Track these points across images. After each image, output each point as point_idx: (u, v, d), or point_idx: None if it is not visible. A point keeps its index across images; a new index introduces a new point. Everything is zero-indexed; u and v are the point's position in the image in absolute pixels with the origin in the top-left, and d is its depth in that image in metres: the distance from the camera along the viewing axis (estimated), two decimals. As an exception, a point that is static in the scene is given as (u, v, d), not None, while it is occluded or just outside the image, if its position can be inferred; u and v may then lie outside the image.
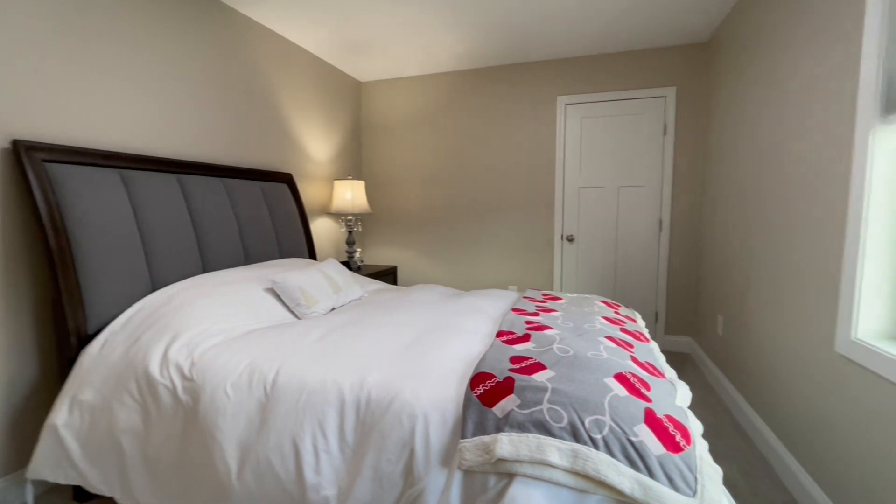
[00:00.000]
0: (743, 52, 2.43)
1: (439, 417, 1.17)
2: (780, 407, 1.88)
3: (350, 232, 3.43)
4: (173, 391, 1.43)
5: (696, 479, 0.97)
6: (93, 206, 1.75)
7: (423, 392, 1.23)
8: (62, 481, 1.53)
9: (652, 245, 3.39)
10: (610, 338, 1.53)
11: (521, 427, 1.06)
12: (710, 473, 1.00)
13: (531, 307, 1.95)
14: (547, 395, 1.12)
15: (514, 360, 1.31)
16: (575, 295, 2.32)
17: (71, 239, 1.67)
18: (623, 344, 1.51)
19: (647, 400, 1.13)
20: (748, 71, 2.35)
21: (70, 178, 1.71)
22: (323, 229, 3.49)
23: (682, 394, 1.28)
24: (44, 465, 1.52)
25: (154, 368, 1.48)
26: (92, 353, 1.61)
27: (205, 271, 2.20)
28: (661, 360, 1.55)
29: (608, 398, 1.11)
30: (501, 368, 1.25)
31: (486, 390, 1.17)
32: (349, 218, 3.42)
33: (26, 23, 1.65)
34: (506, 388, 1.17)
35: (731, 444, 2.07)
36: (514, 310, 1.88)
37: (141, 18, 2.07)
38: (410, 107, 3.88)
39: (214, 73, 2.47)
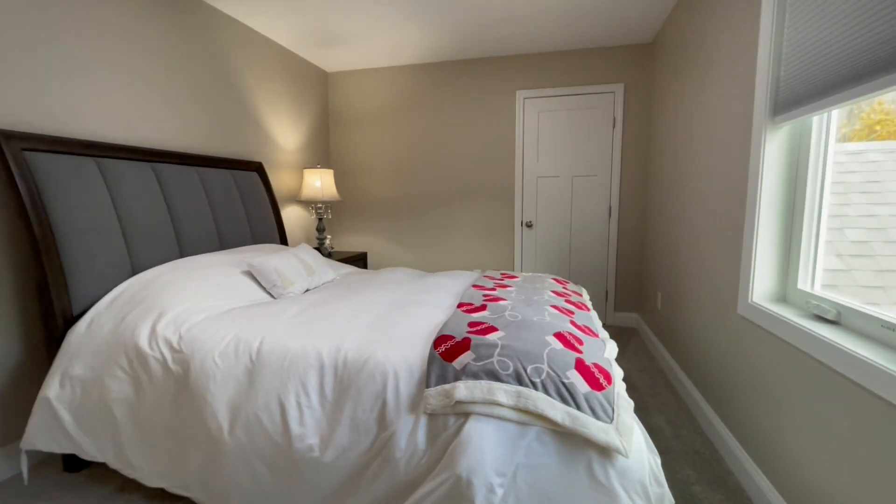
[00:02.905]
0: (678, 53, 2.72)
1: (407, 373, 1.37)
2: (701, 365, 2.20)
3: (320, 219, 3.55)
4: (164, 362, 1.57)
5: (613, 409, 1.22)
6: (73, 193, 1.83)
7: (393, 353, 1.43)
8: (56, 450, 1.64)
9: (602, 230, 3.69)
10: (555, 307, 1.78)
11: (476, 376, 1.28)
12: (624, 405, 1.25)
13: (490, 284, 2.17)
14: (497, 350, 1.34)
15: (472, 325, 1.53)
16: (530, 274, 2.57)
17: (53, 226, 1.75)
18: (565, 311, 1.75)
19: (579, 352, 1.38)
20: (682, 71, 2.64)
21: (50, 166, 1.78)
22: (294, 216, 3.59)
23: (611, 348, 1.54)
24: (37, 436, 1.63)
25: (143, 343, 1.61)
26: (79, 331, 1.72)
27: (182, 255, 2.30)
28: (597, 325, 1.81)
29: (546, 350, 1.34)
30: (460, 331, 1.47)
31: (446, 349, 1.38)
32: (319, 206, 3.54)
33: (2, 15, 1.70)
34: (463, 346, 1.38)
35: (663, 400, 2.39)
36: (475, 286, 2.10)
37: (116, 11, 2.12)
38: (377, 97, 4.01)
39: (186, 65, 2.54)
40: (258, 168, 3.08)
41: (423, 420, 1.28)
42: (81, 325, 1.73)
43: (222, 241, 2.59)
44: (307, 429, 1.38)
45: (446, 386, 1.28)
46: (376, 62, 3.84)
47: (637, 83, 3.48)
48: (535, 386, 1.24)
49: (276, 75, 3.34)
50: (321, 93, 3.99)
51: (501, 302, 1.79)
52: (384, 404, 1.34)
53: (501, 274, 2.50)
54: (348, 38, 3.26)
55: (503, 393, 1.23)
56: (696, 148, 2.36)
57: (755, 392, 1.66)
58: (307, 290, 2.29)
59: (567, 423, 1.17)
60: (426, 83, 3.88)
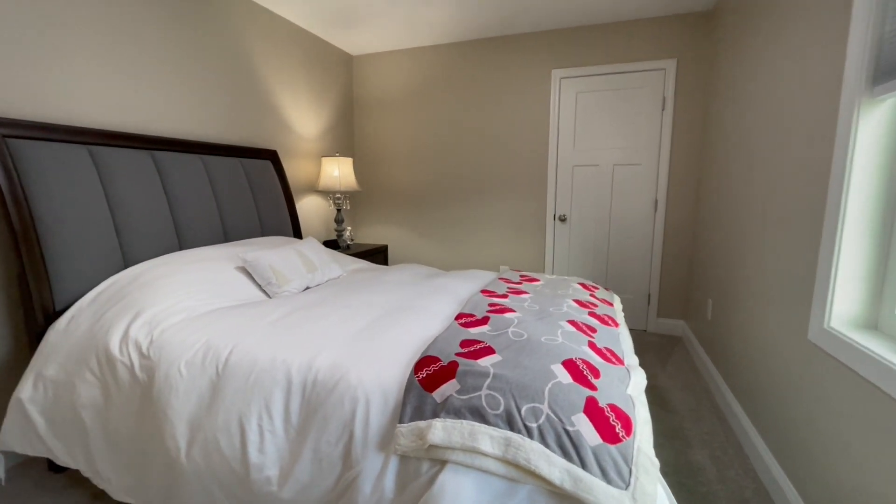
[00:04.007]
0: (744, 20, 2.28)
1: (381, 401, 1.15)
2: (757, 394, 1.83)
3: (339, 210, 3.39)
4: (131, 369, 1.44)
5: (630, 470, 0.94)
6: (60, 182, 1.74)
7: (368, 374, 1.21)
8: (30, 453, 1.57)
9: (646, 226, 3.29)
10: (572, 322, 1.49)
11: (458, 413, 1.04)
12: (647, 466, 0.96)
13: (502, 288, 1.90)
14: (487, 381, 1.09)
15: (465, 343, 1.28)
16: (554, 276, 2.27)
17: (36, 217, 1.66)
18: (585, 329, 1.46)
19: (593, 388, 1.10)
20: (748, 42, 2.20)
21: (34, 154, 1.69)
22: (311, 207, 3.46)
23: (636, 381, 1.24)
24: (12, 438, 1.56)
25: (114, 346, 1.49)
26: (59, 328, 1.63)
27: (181, 249, 2.20)
28: (625, 346, 1.51)
29: (550, 385, 1.07)
30: (448, 352, 1.22)
31: (428, 374, 1.15)
32: (337, 196, 3.38)
33: (-19, -7, 1.61)
34: (448, 372, 1.14)
35: (707, 428, 2.04)
36: (484, 291, 1.84)
37: (107, -12, 2.02)
38: (401, 81, 3.77)
39: (193, 48, 2.41)
40: (272, 156, 2.94)
41: (393, 462, 1.06)
42: (62, 322, 1.64)
43: (227, 234, 2.48)
44: (267, 457, 1.20)
45: (421, 424, 1.05)
46: (401, 43, 3.60)
47: (692, 58, 3.02)
48: (529, 432, 0.98)
49: (295, 59, 3.18)
50: (345, 77, 3.81)
51: (508, 314, 1.52)
52: (351, 437, 1.13)
53: (521, 276, 2.22)
54: (370, 16, 3.03)
55: (488, 439, 0.98)
56: (762, 133, 1.95)
57: (827, 438, 1.30)
58: (307, 289, 2.12)
59: (567, 485, 0.91)
60: (453, 65, 3.59)
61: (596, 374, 1.17)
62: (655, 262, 3.29)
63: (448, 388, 1.09)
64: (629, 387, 1.19)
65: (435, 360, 1.20)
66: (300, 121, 3.28)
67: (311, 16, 3.04)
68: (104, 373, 1.48)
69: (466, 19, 3.10)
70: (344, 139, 3.83)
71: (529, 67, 3.40)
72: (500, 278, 2.14)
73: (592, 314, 1.64)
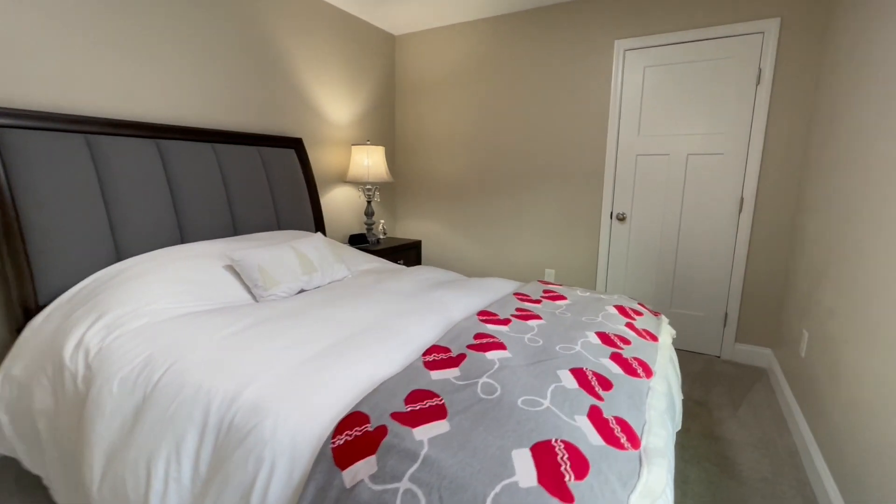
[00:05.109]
0: (879, -46, 1.63)
1: (287, 468, 0.88)
2: (867, 484, 1.29)
3: (369, 202, 3.18)
4: (75, 379, 1.33)
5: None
6: (48, 174, 1.68)
7: (287, 425, 0.95)
8: (2, 452, 1.54)
9: (727, 230, 2.67)
10: (578, 372, 1.10)
11: (362, 512, 0.73)
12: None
13: (508, 310, 1.54)
14: (413, 469, 0.77)
15: (413, 397, 0.96)
16: (587, 294, 1.84)
17: (19, 208, 1.61)
18: (593, 381, 1.07)
19: (569, 499, 0.73)
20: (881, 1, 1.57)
21: (22, 143, 1.64)
22: (342, 199, 3.29)
23: (656, 476, 0.84)
24: (-16, 432, 1.54)
25: (67, 352, 1.38)
26: (34, 326, 1.57)
27: (183, 243, 2.11)
28: (658, 409, 1.08)
29: (499, 488, 0.73)
30: (383, 410, 0.92)
31: (348, 441, 0.86)
32: (367, 187, 3.17)
33: (-30, -23, 1.57)
34: (371, 442, 0.84)
35: (786, 513, 1.52)
36: (482, 313, 1.49)
37: (112, -31, 1.93)
38: (446, 62, 3.44)
39: (209, 28, 2.29)
40: (296, 145, 2.79)
41: (284, 559, 0.79)
42: (38, 319, 1.58)
43: (237, 228, 2.36)
44: (167, 513, 0.99)
45: (314, 518, 0.76)
46: (446, 17, 3.25)
47: (802, 16, 2.34)
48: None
49: (327, 41, 2.99)
50: (386, 60, 3.56)
51: (493, 353, 1.16)
52: (247, 511, 0.88)
53: (544, 291, 1.83)
54: (400, -12, 2.74)
55: (389, 565, 0.67)
56: (880, 128, 1.36)
57: None
58: (301, 291, 1.93)
59: None
60: (500, 40, 3.18)
61: (582, 466, 0.79)
62: (737, 276, 2.67)
63: (363, 469, 0.79)
64: (635, 491, 0.80)
65: (364, 419, 0.90)
66: (331, 106, 3.10)
67: (341, -8, 2.82)
68: (55, 379, 1.38)
69: (511, -15, 2.68)
70: (380, 126, 3.59)
71: (588, 39, 2.89)
72: (516, 293, 1.76)
73: (616, 356, 1.23)
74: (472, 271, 3.59)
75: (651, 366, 1.24)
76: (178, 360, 1.23)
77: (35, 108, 1.75)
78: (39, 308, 1.65)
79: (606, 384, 1.07)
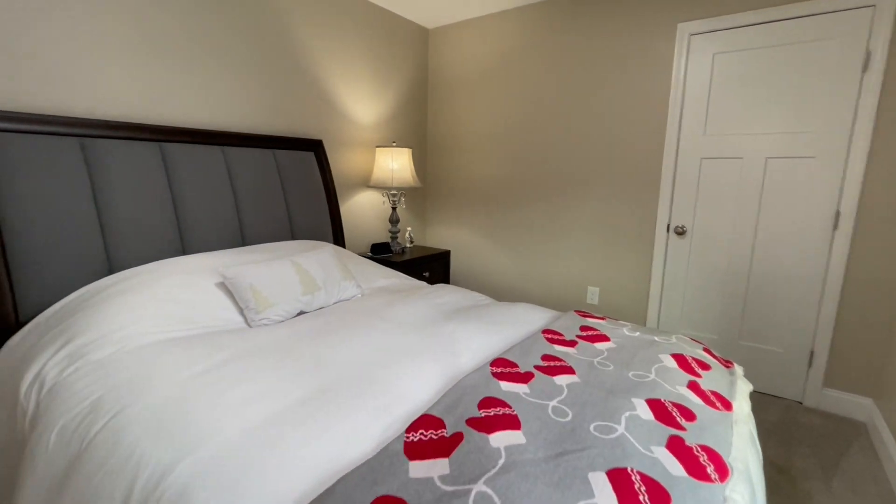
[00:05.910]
0: None
1: None
2: None
3: (393, 209, 2.95)
4: (25, 418, 1.16)
5: None
6: (33, 180, 1.55)
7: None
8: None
9: (818, 250, 2.19)
10: (620, 474, 0.77)
11: None
12: None
13: (532, 358, 1.21)
14: None
15: (376, 508, 0.68)
16: (637, 333, 1.47)
17: (1, 217, 1.50)
18: (643, 492, 0.74)
19: None
20: None
21: (6, 147, 1.52)
22: (366, 204, 3.06)
23: None
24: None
25: (24, 384, 1.23)
26: (11, 345, 1.45)
27: (185, 254, 1.95)
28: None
29: None
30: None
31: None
32: (392, 192, 2.93)
33: (-45, -30, 1.46)
34: None
35: None
36: (498, 362, 1.18)
37: (114, -40, 1.80)
38: (483, 56, 3.14)
39: (221, 25, 2.13)
40: (316, 147, 2.60)
41: None
42: (16, 338, 1.46)
43: (245, 237, 2.19)
44: None
45: None
46: (486, 6, 2.94)
47: (931, -18, 1.84)
48: None
49: (353, 36, 2.78)
50: (418, 55, 3.31)
51: (498, 436, 0.85)
52: None
53: (581, 328, 1.48)
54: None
55: None
56: None
57: None
58: (300, 313, 1.71)
59: None
60: (542, 30, 2.84)
61: None
62: (829, 305, 2.18)
63: None
64: None
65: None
66: (355, 106, 2.88)
67: (367, -19, 2.59)
68: (10, 415, 1.23)
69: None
70: (408, 126, 3.34)
71: (644, 24, 2.49)
72: (545, 331, 1.43)
73: (676, 444, 0.88)
74: (503, 286, 3.26)
75: (725, 458, 0.88)
76: (124, 409, 1.03)
77: (23, 109, 1.64)
78: (20, 325, 1.53)
79: (660, 495, 0.74)
